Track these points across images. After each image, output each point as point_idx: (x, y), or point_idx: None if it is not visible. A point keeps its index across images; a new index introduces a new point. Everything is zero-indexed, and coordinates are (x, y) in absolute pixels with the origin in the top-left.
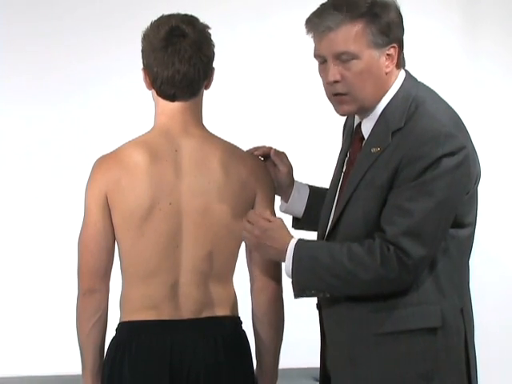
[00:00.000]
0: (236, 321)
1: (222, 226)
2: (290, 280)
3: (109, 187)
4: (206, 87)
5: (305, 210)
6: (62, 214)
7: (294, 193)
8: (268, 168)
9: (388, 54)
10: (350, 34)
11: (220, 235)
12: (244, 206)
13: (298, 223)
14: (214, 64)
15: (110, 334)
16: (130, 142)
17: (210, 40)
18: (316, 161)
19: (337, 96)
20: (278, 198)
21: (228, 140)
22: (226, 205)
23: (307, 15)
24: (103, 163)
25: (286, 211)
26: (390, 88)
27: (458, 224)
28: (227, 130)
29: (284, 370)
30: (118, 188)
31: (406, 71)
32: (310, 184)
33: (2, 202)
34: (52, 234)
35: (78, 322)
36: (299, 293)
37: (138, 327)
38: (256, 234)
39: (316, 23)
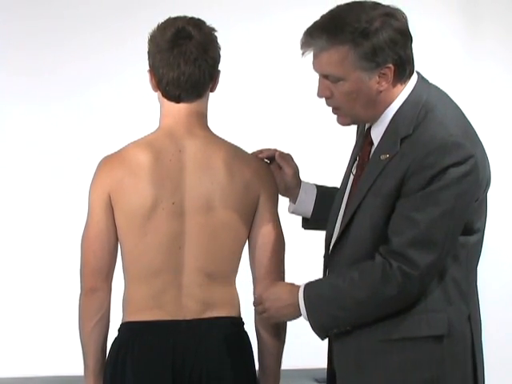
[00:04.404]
0: (238, 322)
1: (225, 226)
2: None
3: (112, 187)
4: (212, 89)
5: (313, 210)
6: (65, 214)
7: (301, 194)
8: (273, 170)
9: (383, 73)
10: (332, 59)
11: (223, 236)
12: (247, 207)
13: (307, 223)
14: (220, 66)
15: (113, 335)
16: (134, 142)
17: (216, 42)
18: (322, 161)
19: (332, 108)
20: (285, 200)
21: (232, 142)
22: (229, 205)
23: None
24: (107, 163)
25: (294, 212)
26: (395, 99)
27: (467, 231)
28: (232, 132)
29: (285, 370)
30: (122, 188)
31: (418, 73)
32: (318, 184)
33: (5, 202)
34: (54, 233)
35: (81, 322)
36: (322, 334)
37: (140, 327)
38: (267, 307)
39: (304, 43)
